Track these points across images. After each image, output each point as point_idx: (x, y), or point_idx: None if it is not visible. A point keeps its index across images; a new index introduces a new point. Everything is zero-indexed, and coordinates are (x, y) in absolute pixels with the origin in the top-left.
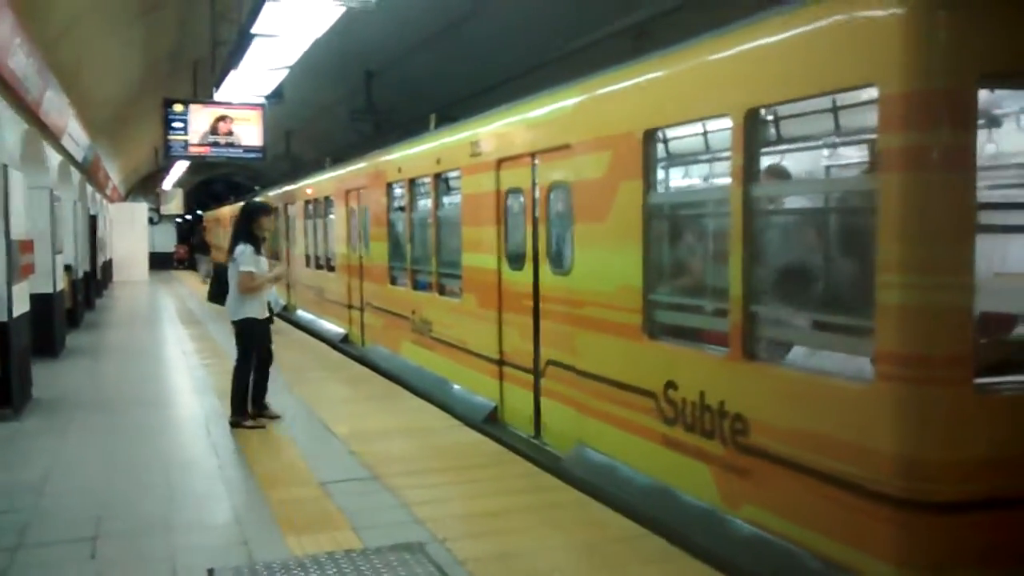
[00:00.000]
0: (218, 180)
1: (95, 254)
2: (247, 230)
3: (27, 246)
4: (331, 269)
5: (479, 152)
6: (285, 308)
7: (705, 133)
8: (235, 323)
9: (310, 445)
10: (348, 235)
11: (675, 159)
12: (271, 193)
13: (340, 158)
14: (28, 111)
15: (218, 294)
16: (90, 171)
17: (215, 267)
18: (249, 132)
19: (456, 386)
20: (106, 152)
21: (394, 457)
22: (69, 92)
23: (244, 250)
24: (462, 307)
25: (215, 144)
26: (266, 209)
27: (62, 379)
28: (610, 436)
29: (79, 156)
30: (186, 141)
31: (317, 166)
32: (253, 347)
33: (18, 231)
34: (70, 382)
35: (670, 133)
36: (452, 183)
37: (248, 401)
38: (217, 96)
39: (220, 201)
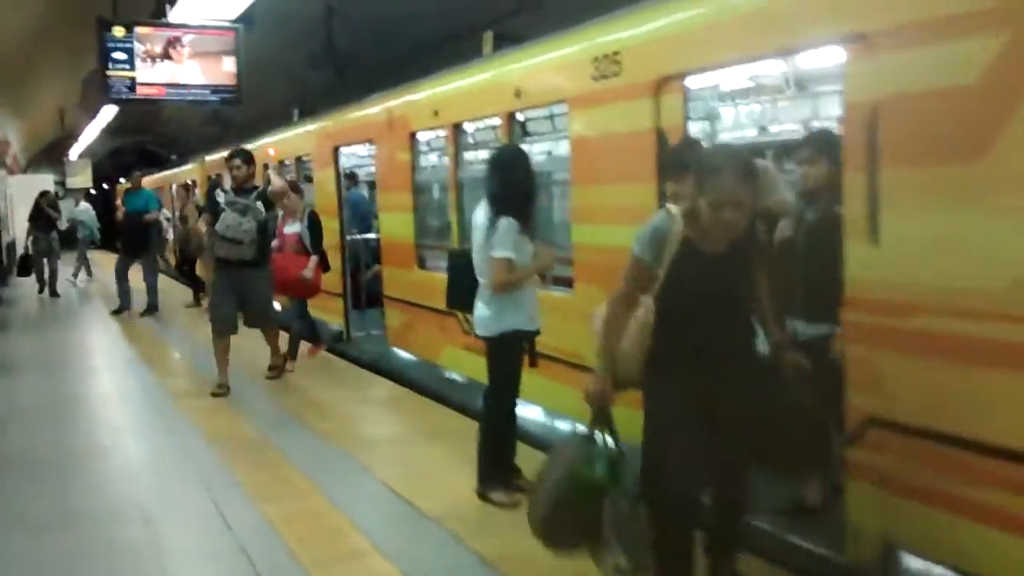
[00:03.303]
0: (128, 150)
1: None
2: (512, 192)
3: None
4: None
5: (613, 71)
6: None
7: None
8: (488, 340)
9: (385, 536)
10: (338, 204)
11: None
12: (208, 158)
13: (310, 110)
14: None
15: (462, 293)
16: None
17: (452, 255)
18: (215, 67)
19: (569, 423)
20: (4, 112)
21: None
22: None
23: (508, 227)
24: (574, 305)
25: (173, 85)
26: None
27: None
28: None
29: None
30: (132, 79)
31: (261, 125)
32: (515, 376)
33: None
34: None
35: None
36: (536, 125)
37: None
38: (172, 17)
39: (128, 173)
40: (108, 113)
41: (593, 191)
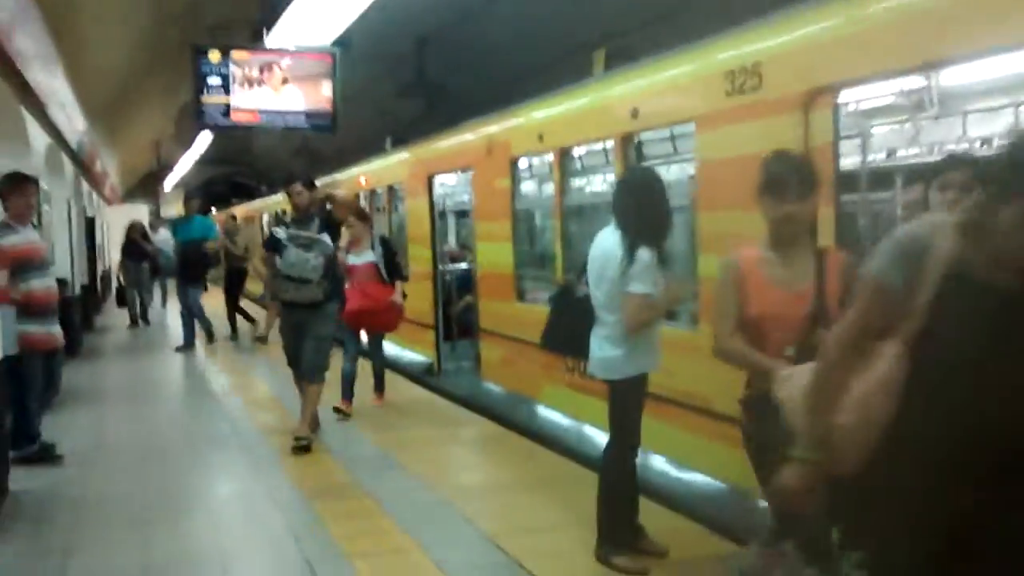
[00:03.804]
0: (219, 181)
1: (94, 264)
2: (649, 219)
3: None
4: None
5: (752, 85)
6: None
7: None
8: (615, 384)
9: None
10: (431, 233)
11: None
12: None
13: (402, 139)
14: None
15: (562, 335)
16: (85, 163)
17: (561, 290)
18: (311, 92)
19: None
20: (103, 142)
21: None
22: (59, 41)
23: (647, 259)
24: (699, 343)
25: (267, 111)
26: (660, 180)
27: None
28: None
29: (72, 140)
30: (227, 105)
31: (349, 156)
32: (639, 423)
33: None
34: (74, 448)
35: None
36: (654, 147)
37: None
38: (269, 43)
39: (220, 204)
40: (202, 143)
41: (724, 218)
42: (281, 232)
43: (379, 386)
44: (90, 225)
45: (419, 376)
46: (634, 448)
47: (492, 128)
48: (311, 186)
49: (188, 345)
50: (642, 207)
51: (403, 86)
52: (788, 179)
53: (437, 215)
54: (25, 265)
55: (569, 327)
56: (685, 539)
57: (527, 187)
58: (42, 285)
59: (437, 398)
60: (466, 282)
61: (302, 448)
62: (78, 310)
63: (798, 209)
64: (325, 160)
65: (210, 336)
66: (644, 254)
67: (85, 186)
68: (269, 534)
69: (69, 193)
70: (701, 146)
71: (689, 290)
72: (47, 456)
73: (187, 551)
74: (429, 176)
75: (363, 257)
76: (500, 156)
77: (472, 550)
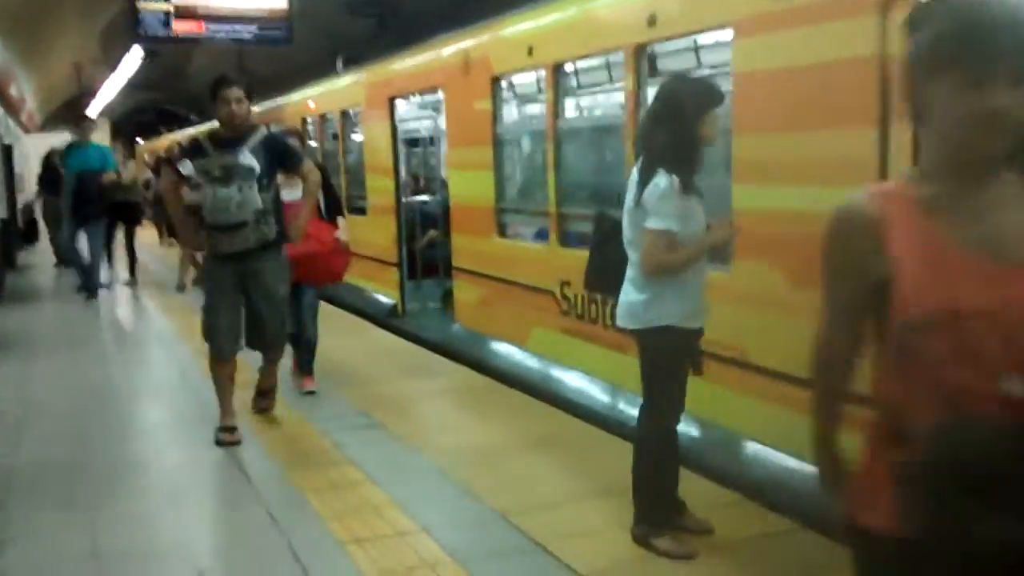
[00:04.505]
0: (146, 108)
1: (13, 196)
2: (675, 137)
3: None
4: (361, 212)
5: None
6: None
7: None
8: (638, 334)
9: None
10: (393, 162)
11: None
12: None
13: (353, 59)
14: None
15: (604, 275)
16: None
17: (598, 220)
18: None
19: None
20: (18, 62)
21: None
22: None
23: (666, 186)
24: (730, 288)
25: (214, 15)
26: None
27: None
28: None
29: None
30: (166, 12)
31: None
32: (678, 386)
33: None
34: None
35: None
36: (674, 60)
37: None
38: None
39: (148, 133)
40: (130, 66)
41: (769, 142)
42: (187, 166)
43: (308, 363)
44: (7, 153)
45: (382, 319)
46: (670, 414)
47: (468, 43)
48: (250, 96)
49: (91, 289)
50: (663, 122)
51: (352, 3)
52: (998, 41)
53: (399, 142)
54: None
55: (610, 263)
56: (733, 516)
57: (512, 109)
58: None
59: (407, 344)
60: (430, 216)
61: (266, 409)
62: None
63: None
64: (263, 84)
65: (90, 290)
66: (661, 180)
67: None
68: (244, 515)
69: None
70: (740, 56)
71: (731, 232)
72: None
73: (147, 539)
74: (390, 99)
75: (293, 194)
76: (479, 74)
77: (485, 532)
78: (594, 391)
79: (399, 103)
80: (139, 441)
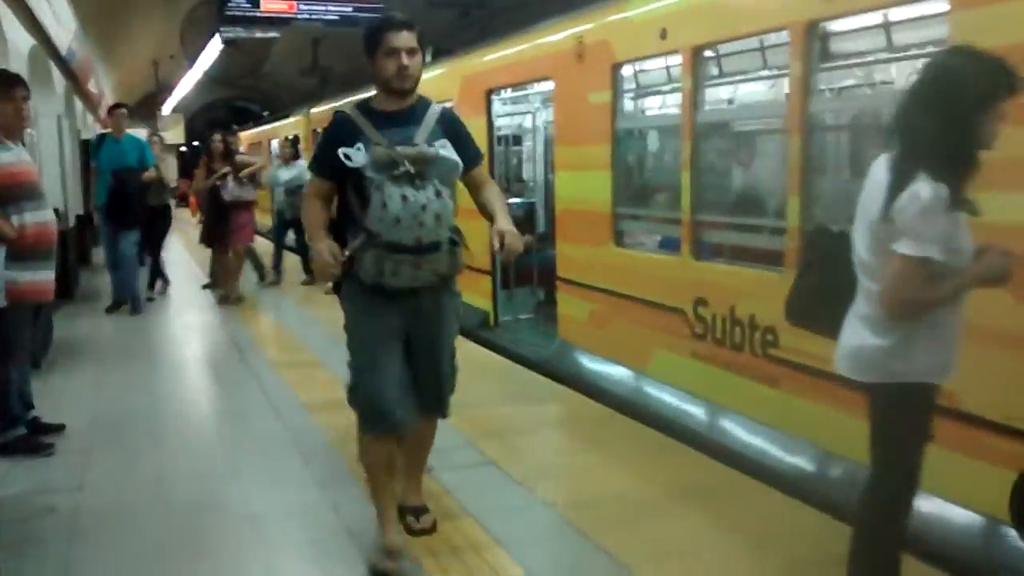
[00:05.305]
0: (220, 105)
1: (90, 193)
2: (948, 132)
3: None
4: None
5: None
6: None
7: None
8: (875, 389)
9: None
10: (489, 160)
11: None
12: (315, 110)
13: (445, 49)
14: None
15: (815, 304)
16: (79, 77)
17: (812, 235)
18: None
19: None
20: (98, 56)
21: None
22: None
23: (929, 198)
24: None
25: None
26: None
27: (57, 403)
28: None
29: (62, 45)
30: None
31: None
32: (919, 457)
33: None
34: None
35: None
36: (853, 42)
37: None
38: None
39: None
40: (209, 56)
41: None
42: (360, 155)
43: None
44: (85, 148)
45: (471, 330)
46: (910, 489)
47: (584, 27)
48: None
49: (134, 302)
50: (930, 107)
51: None
52: None
53: (496, 139)
54: (18, 193)
55: (827, 290)
56: None
57: (637, 101)
58: (37, 219)
59: (502, 360)
60: (527, 219)
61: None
62: (73, 246)
63: None
64: (338, 80)
65: (121, 304)
66: (923, 190)
67: (79, 105)
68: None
69: (60, 109)
70: (962, 34)
71: (1005, 263)
72: (35, 446)
73: None
74: (488, 92)
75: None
76: (596, 62)
77: None
78: (736, 429)
79: (499, 96)
80: (227, 481)
